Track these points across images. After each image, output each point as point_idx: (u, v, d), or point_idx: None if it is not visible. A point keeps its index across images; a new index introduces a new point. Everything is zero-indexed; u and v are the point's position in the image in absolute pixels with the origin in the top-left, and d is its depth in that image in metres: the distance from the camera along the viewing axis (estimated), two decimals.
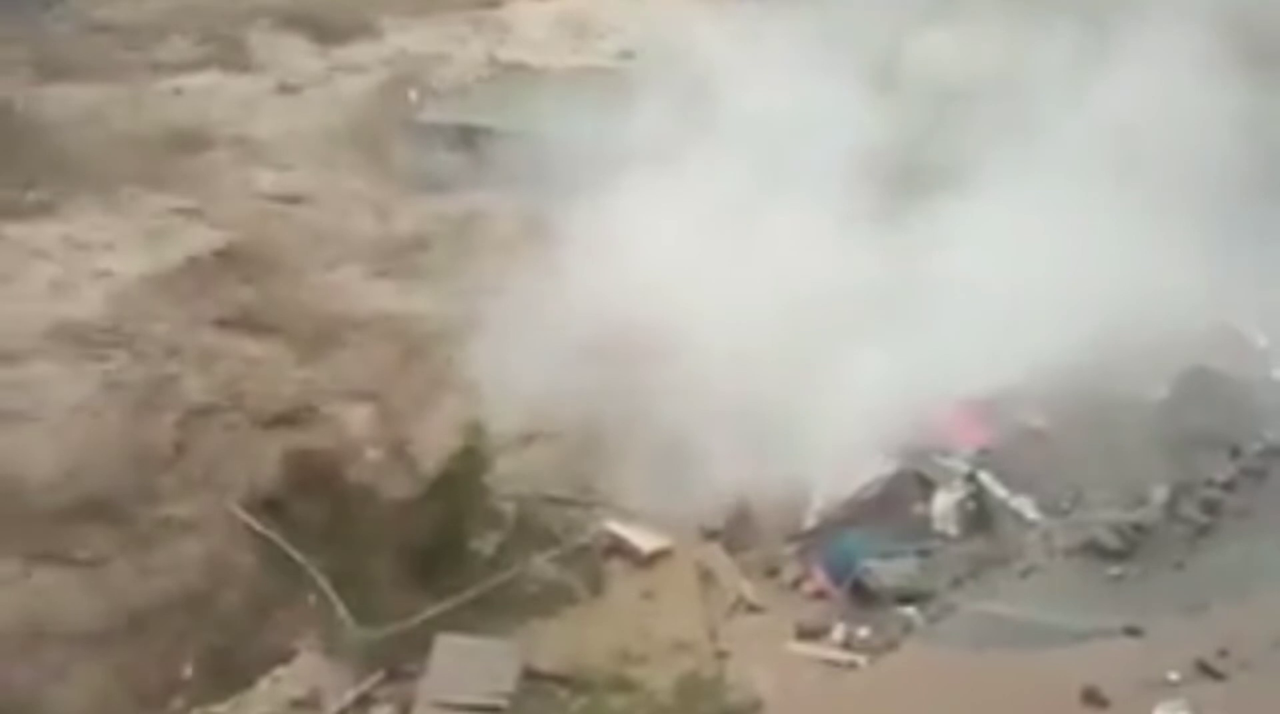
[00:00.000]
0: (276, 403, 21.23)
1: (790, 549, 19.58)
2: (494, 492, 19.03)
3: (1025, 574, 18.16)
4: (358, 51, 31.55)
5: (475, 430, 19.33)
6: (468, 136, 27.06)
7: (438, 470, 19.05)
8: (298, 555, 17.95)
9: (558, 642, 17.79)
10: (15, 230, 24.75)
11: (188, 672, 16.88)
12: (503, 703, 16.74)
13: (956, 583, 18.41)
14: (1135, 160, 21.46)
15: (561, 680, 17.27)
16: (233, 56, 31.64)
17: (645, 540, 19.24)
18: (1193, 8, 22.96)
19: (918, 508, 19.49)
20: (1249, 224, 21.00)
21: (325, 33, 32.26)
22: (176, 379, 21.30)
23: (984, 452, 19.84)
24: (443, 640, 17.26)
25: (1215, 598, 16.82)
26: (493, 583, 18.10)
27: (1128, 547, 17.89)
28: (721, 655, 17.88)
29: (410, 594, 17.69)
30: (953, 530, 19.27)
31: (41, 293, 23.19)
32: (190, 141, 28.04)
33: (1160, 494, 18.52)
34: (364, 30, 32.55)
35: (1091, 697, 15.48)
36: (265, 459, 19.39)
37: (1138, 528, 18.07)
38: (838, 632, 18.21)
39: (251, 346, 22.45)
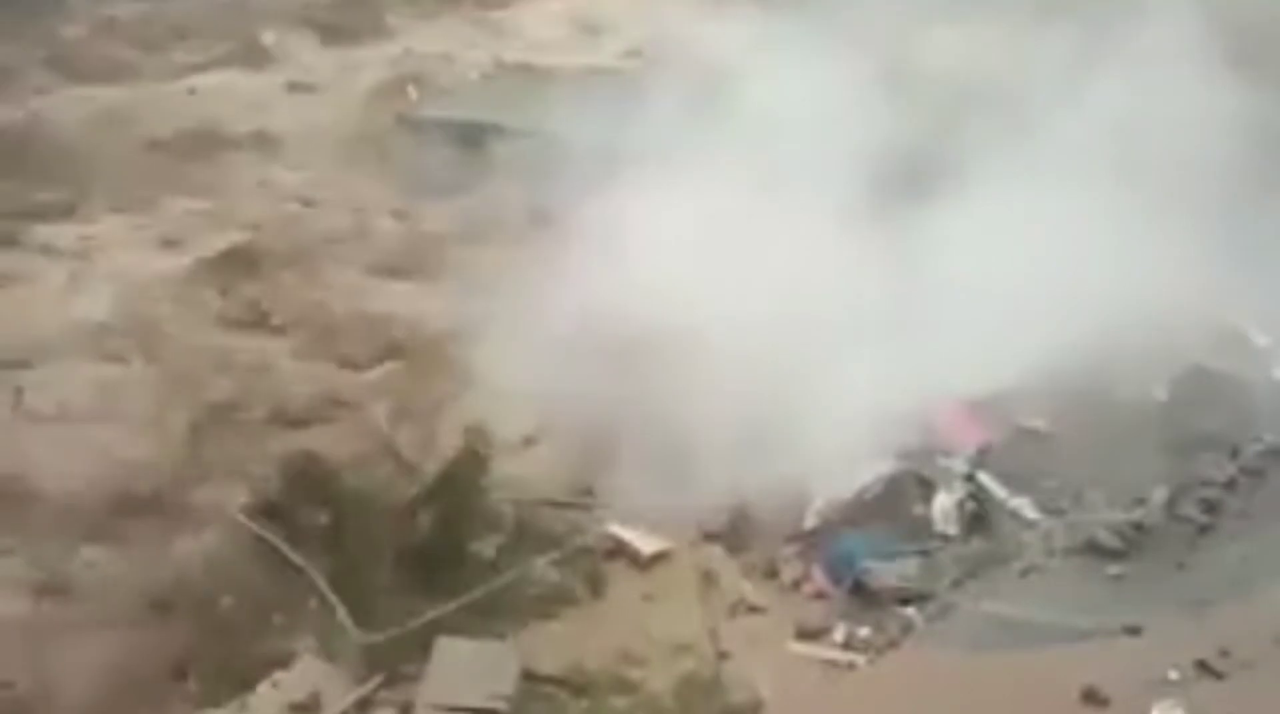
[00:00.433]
0: (290, 402, 21.45)
1: (790, 550, 19.46)
2: (494, 494, 19.00)
3: (1025, 574, 18.11)
4: (369, 51, 31.82)
5: (477, 432, 19.31)
6: (474, 134, 27.16)
7: (438, 472, 19.01)
8: (297, 558, 17.94)
9: (558, 644, 17.71)
10: (32, 232, 25.08)
11: (187, 674, 16.98)
12: (503, 705, 16.63)
13: (956, 583, 18.32)
14: (1136, 159, 21.37)
15: (562, 683, 17.16)
16: (246, 56, 31.92)
17: (645, 542, 19.15)
18: (1197, 7, 22.90)
19: (918, 508, 19.38)
20: (1250, 223, 20.95)
21: (337, 33, 32.54)
22: (193, 380, 21.54)
23: (984, 452, 19.74)
24: (443, 643, 17.17)
25: (1215, 597, 16.81)
26: (493, 586, 17.99)
27: (1128, 546, 17.87)
28: (722, 656, 17.80)
29: (410, 597, 17.61)
30: (952, 530, 19.17)
31: (58, 293, 23.51)
32: (204, 141, 28.33)
33: (1160, 494, 18.48)
34: (375, 30, 32.82)
35: (1091, 696, 15.50)
36: (274, 461, 19.52)
37: (1138, 528, 18.05)
38: (838, 632, 18.13)
39: (264, 346, 22.69)
